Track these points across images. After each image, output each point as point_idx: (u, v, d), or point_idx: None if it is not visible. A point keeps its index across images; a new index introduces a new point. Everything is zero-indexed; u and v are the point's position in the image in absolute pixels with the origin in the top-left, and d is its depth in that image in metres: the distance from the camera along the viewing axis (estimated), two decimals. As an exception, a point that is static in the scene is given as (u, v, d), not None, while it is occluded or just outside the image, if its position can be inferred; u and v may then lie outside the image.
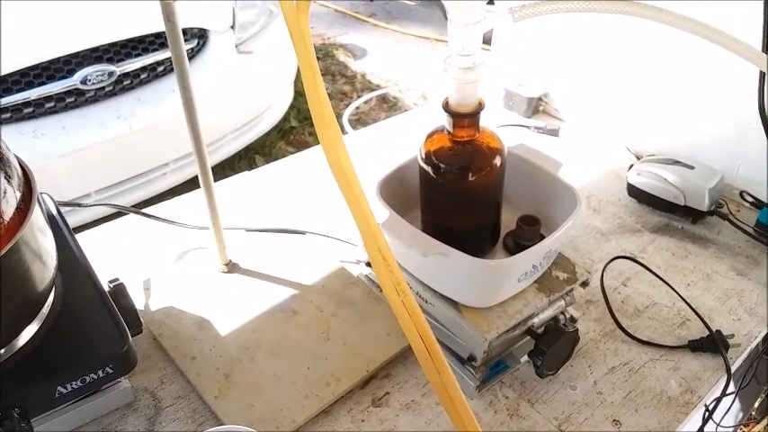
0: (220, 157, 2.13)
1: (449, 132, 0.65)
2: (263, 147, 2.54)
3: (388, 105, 2.95)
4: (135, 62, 1.79)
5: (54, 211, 0.68)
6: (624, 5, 0.56)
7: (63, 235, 0.65)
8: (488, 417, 0.67)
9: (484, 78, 0.61)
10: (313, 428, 0.65)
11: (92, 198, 1.77)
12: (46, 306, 0.56)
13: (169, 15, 0.59)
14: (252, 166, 2.41)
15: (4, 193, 0.50)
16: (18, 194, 0.51)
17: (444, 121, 0.65)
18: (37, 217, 0.52)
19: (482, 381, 0.69)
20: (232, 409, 0.64)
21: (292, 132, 2.70)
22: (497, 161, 0.66)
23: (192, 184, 2.03)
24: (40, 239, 0.53)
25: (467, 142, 0.65)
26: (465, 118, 0.63)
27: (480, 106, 0.63)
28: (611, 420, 0.67)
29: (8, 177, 0.50)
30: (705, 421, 0.77)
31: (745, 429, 1.45)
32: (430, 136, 0.67)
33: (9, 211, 0.50)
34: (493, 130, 0.66)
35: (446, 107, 0.63)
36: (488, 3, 0.58)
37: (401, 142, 0.76)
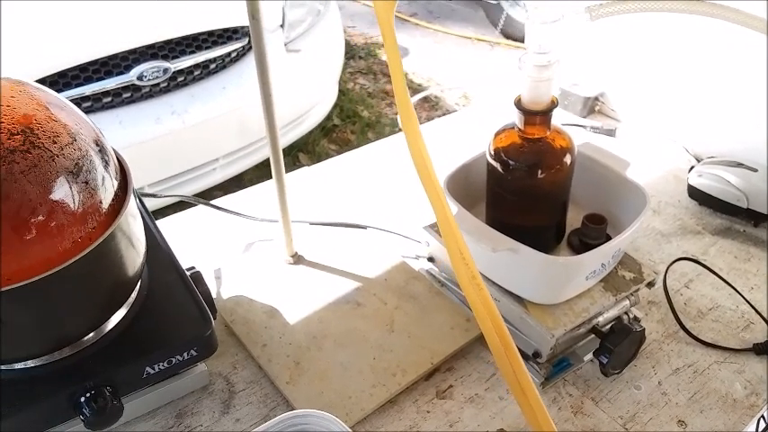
0: (265, 155, 2.16)
1: (519, 129, 0.66)
2: (307, 144, 2.58)
3: (430, 105, 2.96)
4: (188, 59, 1.83)
5: (137, 201, 0.70)
6: (700, 6, 0.57)
7: (147, 223, 0.67)
8: (553, 413, 0.68)
9: (557, 77, 0.62)
10: (380, 417, 0.66)
11: (146, 191, 1.82)
12: (134, 291, 0.59)
13: (254, 13, 0.61)
14: (296, 163, 2.44)
15: (103, 180, 0.52)
16: (115, 183, 0.54)
17: (515, 118, 0.65)
18: (132, 206, 0.54)
19: (546, 378, 0.69)
20: (302, 395, 0.66)
21: (335, 131, 2.73)
22: (567, 159, 0.67)
23: (239, 180, 2.07)
24: (134, 227, 0.55)
25: (537, 140, 0.66)
26: (537, 116, 0.64)
27: (553, 104, 0.63)
28: (677, 421, 0.67)
29: (106, 166, 0.53)
30: (765, 429, 0.77)
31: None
32: (499, 133, 0.68)
33: (108, 199, 0.52)
34: (563, 129, 0.67)
35: (519, 104, 0.64)
36: None
37: (447, 144, 0.78)
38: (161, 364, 0.56)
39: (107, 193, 0.53)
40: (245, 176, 2.06)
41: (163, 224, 0.89)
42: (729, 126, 1.03)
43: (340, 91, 2.67)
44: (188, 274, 0.65)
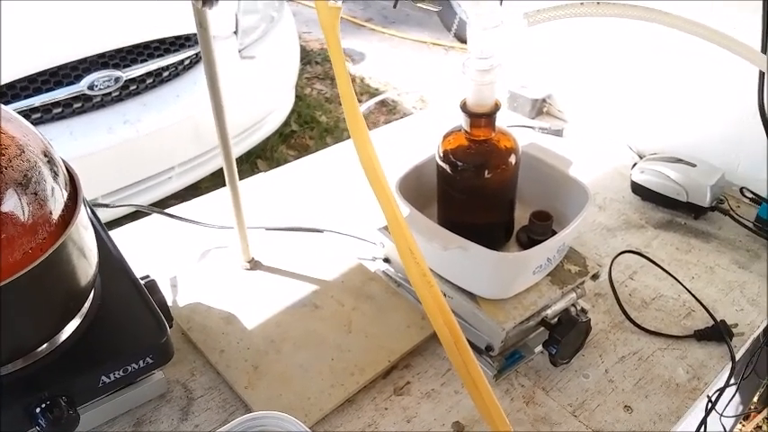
0: (222, 162, 2.15)
1: (466, 132, 0.68)
2: (265, 151, 2.57)
3: (387, 109, 2.98)
4: (140, 68, 1.81)
5: (88, 211, 0.70)
6: (634, 10, 0.60)
7: (99, 233, 0.67)
8: (505, 404, 0.70)
9: (500, 81, 0.64)
10: (339, 416, 0.68)
11: (99, 203, 1.79)
12: (88, 301, 0.59)
13: (202, 22, 0.62)
14: (254, 170, 2.43)
15: (53, 192, 0.52)
16: (65, 193, 0.54)
17: (462, 120, 0.68)
18: (82, 215, 0.54)
19: (499, 370, 0.72)
20: (261, 398, 0.67)
21: (293, 136, 2.73)
22: (512, 159, 0.69)
23: (194, 189, 2.06)
24: (85, 237, 0.56)
25: (483, 141, 0.68)
26: (482, 118, 0.66)
27: (496, 107, 0.66)
28: (623, 406, 0.70)
29: (56, 177, 0.53)
30: (708, 411, 0.81)
31: (744, 423, 1.48)
32: (447, 136, 0.70)
33: (57, 210, 0.52)
34: (507, 130, 0.70)
35: (464, 107, 0.66)
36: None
37: (404, 147, 0.80)
38: (116, 372, 0.57)
39: (57, 204, 0.53)
40: (201, 185, 2.05)
41: (117, 234, 0.88)
42: (669, 124, 1.07)
43: (297, 97, 2.67)
44: (142, 282, 0.65)
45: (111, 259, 0.65)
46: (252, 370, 0.69)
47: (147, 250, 0.86)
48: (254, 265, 0.82)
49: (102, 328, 0.59)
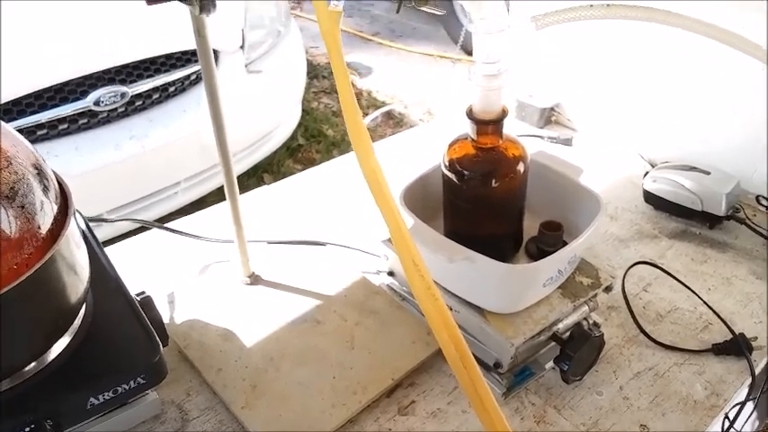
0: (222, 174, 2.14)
1: (472, 139, 0.66)
2: (271, 165, 2.56)
3: (394, 122, 2.97)
4: (146, 83, 1.81)
5: (83, 226, 0.68)
6: (645, 12, 0.58)
7: (93, 249, 0.65)
8: (515, 424, 0.67)
9: (507, 86, 0.62)
10: (341, 437, 0.65)
11: (95, 217, 1.78)
12: (78, 319, 0.57)
13: (200, 30, 0.60)
14: (260, 184, 2.42)
15: (42, 205, 0.50)
16: (54, 207, 0.52)
17: (468, 128, 0.65)
18: (72, 230, 0.52)
19: (508, 388, 0.69)
20: (259, 419, 0.64)
21: (300, 150, 2.72)
22: (520, 168, 0.67)
23: (201, 203, 2.04)
24: (75, 252, 0.54)
25: (490, 149, 0.66)
26: (489, 125, 0.64)
27: (504, 113, 0.64)
28: (639, 425, 0.67)
29: (45, 190, 0.51)
30: (728, 428, 0.77)
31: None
32: (452, 144, 0.68)
33: (46, 224, 0.50)
34: (515, 137, 0.67)
35: (470, 114, 0.64)
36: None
37: (409, 158, 0.78)
38: (106, 393, 0.54)
39: (46, 218, 0.51)
40: (208, 199, 2.03)
41: (116, 249, 0.87)
42: (681, 131, 1.05)
43: (304, 111, 2.66)
44: (137, 299, 0.63)
45: (104, 275, 0.63)
46: (250, 389, 0.66)
47: (146, 266, 0.84)
48: (255, 279, 0.80)
49: (93, 346, 0.56)
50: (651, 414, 0.68)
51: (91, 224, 0.72)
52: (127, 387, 0.55)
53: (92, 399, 0.55)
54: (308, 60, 2.51)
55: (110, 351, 0.57)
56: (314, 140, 2.80)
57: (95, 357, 0.56)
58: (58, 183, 0.55)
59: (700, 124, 1.02)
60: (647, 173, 0.98)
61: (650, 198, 0.97)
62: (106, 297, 0.61)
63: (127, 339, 0.58)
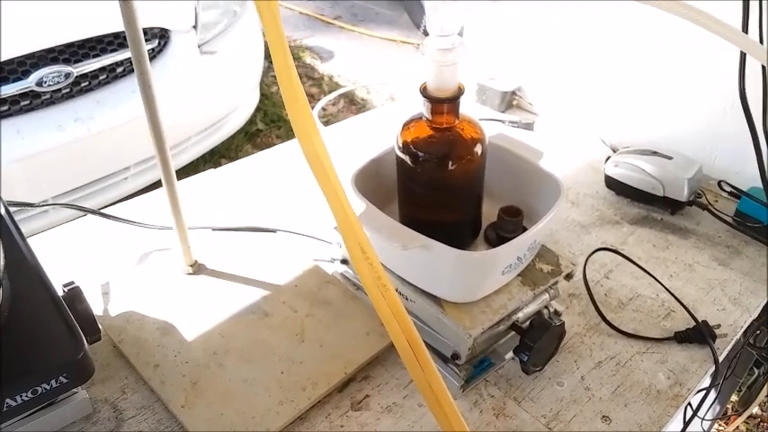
0: (185, 161, 2.07)
1: (427, 119, 0.62)
2: (229, 150, 2.49)
3: (357, 107, 2.92)
4: (93, 63, 1.73)
5: (2, 211, 0.62)
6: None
7: (12, 237, 0.59)
8: (474, 417, 0.64)
9: (462, 62, 0.58)
10: (289, 436, 0.61)
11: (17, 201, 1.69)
12: (-8, 312, 0.51)
13: (128, 16, 0.54)
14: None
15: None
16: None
17: (422, 107, 0.61)
18: (-21, 213, 0.47)
19: (466, 380, 0.66)
20: (200, 418, 0.59)
21: (258, 135, 2.65)
22: (478, 150, 0.63)
23: (154, 189, 1.96)
24: (-16, 238, 0.48)
25: (446, 129, 0.62)
26: (444, 103, 0.60)
27: (460, 91, 0.60)
28: (601, 417, 0.65)
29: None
30: (690, 419, 0.76)
31: (724, 424, 1.45)
32: (407, 124, 0.64)
33: (-54, 206, 0.45)
34: (473, 118, 0.64)
35: (424, 92, 0.60)
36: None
37: (370, 139, 0.74)
38: (24, 394, 0.49)
39: (-54, 201, 0.45)
40: (160, 185, 1.96)
41: (46, 237, 0.81)
42: (644, 116, 1.03)
43: (263, 95, 2.59)
44: (65, 291, 0.57)
45: (24, 266, 0.57)
46: (190, 386, 0.62)
47: (80, 254, 0.78)
48: (198, 268, 0.75)
49: (9, 343, 0.51)
50: (613, 405, 0.66)
51: (20, 211, 0.66)
52: (47, 387, 0.50)
53: (8, 399, 0.49)
54: (265, 43, 2.44)
55: (27, 348, 0.51)
56: (273, 125, 2.73)
57: (11, 354, 0.50)
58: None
59: (662, 109, 1.00)
60: (608, 158, 0.96)
61: (612, 183, 0.94)
62: (25, 289, 0.55)
63: (46, 335, 0.52)
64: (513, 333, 0.67)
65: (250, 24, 2.21)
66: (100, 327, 0.58)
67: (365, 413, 0.64)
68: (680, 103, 0.97)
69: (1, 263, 0.51)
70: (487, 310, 0.63)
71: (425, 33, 0.59)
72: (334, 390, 0.65)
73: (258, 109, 2.48)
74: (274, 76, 3.13)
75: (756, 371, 1.16)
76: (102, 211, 0.81)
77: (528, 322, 0.65)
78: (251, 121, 2.49)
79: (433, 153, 0.63)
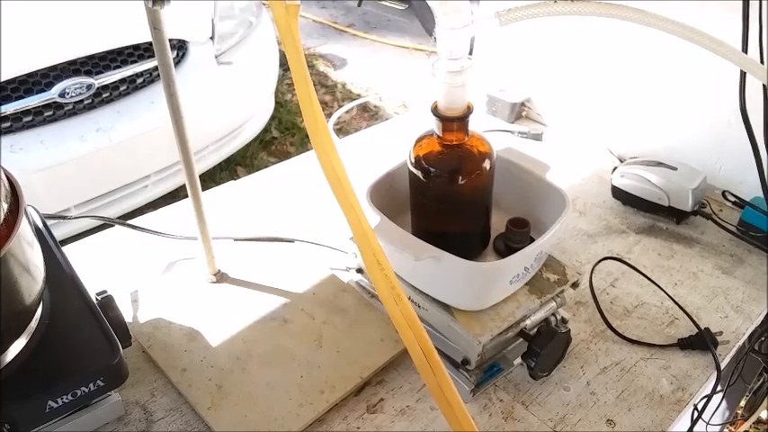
0: (201, 169, 2.12)
1: (438, 136, 0.65)
2: (245, 158, 2.53)
3: (369, 114, 2.96)
4: (113, 74, 1.78)
5: (40, 224, 0.66)
6: (611, 9, 0.57)
7: (50, 248, 0.63)
8: (483, 420, 0.67)
9: (471, 82, 0.61)
10: (308, 437, 0.64)
11: (72, 213, 1.74)
12: (34, 320, 0.55)
13: (155, 23, 0.58)
14: (234, 177, 2.39)
15: (-10, 204, 0.49)
16: (5, 206, 0.50)
17: (433, 125, 0.65)
18: (24, 229, 0.51)
19: (476, 384, 0.69)
20: (225, 420, 0.63)
21: (273, 143, 2.70)
22: (487, 164, 0.66)
23: (172, 197, 2.01)
24: (28, 252, 0.52)
25: (456, 146, 0.65)
26: (454, 121, 0.63)
27: (469, 110, 0.63)
28: (606, 420, 0.68)
29: (-6, 188, 0.49)
30: (695, 421, 0.78)
31: (731, 428, 1.47)
32: (419, 141, 0.67)
33: (-5, 223, 0.49)
34: (481, 134, 0.67)
35: (435, 111, 0.63)
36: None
37: (384, 150, 0.77)
38: (64, 397, 0.53)
39: (-5, 218, 0.49)
40: (180, 192, 2.01)
41: (77, 247, 0.85)
42: (650, 127, 1.05)
43: (278, 103, 2.64)
44: (98, 299, 0.61)
45: (61, 275, 0.61)
46: (215, 390, 0.65)
47: (109, 264, 0.82)
48: (221, 277, 0.79)
49: (50, 349, 0.55)
50: (618, 409, 0.69)
51: (51, 221, 0.70)
52: (86, 390, 0.54)
53: (50, 402, 0.53)
54: (280, 51, 2.49)
55: (67, 353, 0.55)
56: (288, 133, 2.78)
57: (53, 359, 0.54)
58: (9, 181, 0.53)
59: (667, 120, 1.03)
60: (615, 168, 0.99)
61: (618, 193, 0.97)
62: (63, 297, 0.59)
63: (84, 341, 0.56)
64: (521, 340, 0.70)
65: (265, 34, 2.26)
66: (130, 333, 0.62)
67: (380, 416, 0.67)
68: (685, 114, 1.00)
69: (42, 275, 0.55)
70: (496, 317, 0.66)
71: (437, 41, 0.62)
72: (351, 393, 0.68)
73: (273, 117, 2.53)
74: (289, 84, 3.18)
75: (766, 375, 1.18)
76: (129, 222, 0.85)
77: (535, 329, 0.68)
78: (266, 129, 2.53)
79: (444, 168, 0.66)
